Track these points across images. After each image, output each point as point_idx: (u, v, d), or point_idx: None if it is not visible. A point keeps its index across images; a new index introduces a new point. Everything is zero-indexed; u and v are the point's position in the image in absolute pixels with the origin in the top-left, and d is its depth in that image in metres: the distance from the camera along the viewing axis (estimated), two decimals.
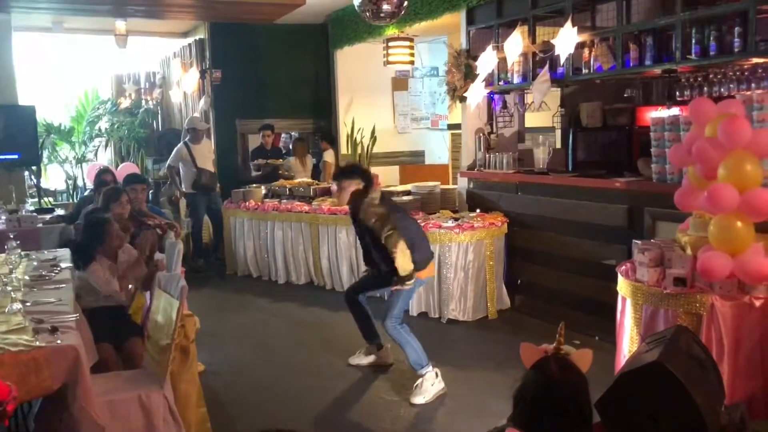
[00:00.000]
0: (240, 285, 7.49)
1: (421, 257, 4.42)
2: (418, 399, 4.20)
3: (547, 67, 5.55)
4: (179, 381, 3.47)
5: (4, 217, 6.68)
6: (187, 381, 3.53)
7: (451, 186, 7.37)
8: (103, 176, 6.55)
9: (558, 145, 7.00)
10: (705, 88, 4.72)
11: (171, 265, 4.25)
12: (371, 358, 4.86)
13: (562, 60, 5.40)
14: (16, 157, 8.15)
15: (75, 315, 3.17)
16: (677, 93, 5.03)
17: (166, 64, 11.05)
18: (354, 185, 4.39)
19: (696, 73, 4.81)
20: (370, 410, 4.18)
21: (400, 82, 10.23)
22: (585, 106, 6.40)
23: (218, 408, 4.12)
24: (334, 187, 7.22)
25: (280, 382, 4.66)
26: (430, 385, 4.26)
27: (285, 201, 7.42)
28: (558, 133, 7.05)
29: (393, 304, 4.40)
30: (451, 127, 9.41)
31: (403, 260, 4.23)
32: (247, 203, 7.59)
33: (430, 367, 4.31)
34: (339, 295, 6.79)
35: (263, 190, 7.84)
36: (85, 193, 8.71)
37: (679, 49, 4.58)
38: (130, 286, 4.10)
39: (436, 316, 5.86)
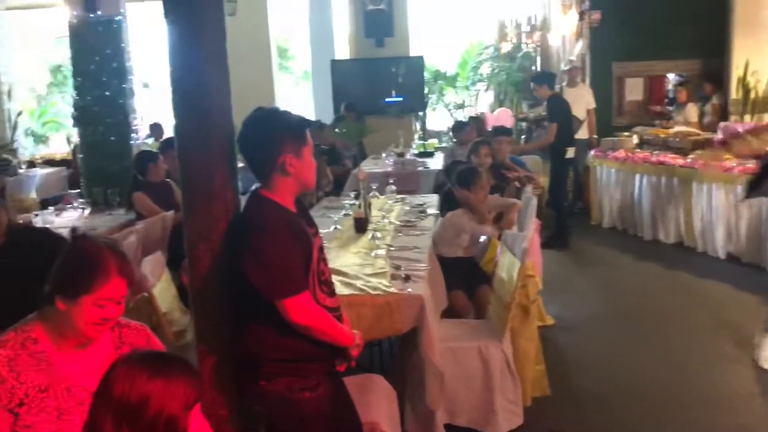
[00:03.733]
0: (602, 237, 7.28)
1: None
2: None
3: None
4: (518, 337, 3.58)
5: (392, 160, 7.54)
6: (526, 338, 3.61)
7: None
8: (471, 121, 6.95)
9: None
10: None
11: (523, 221, 4.31)
12: None
13: None
14: (400, 99, 9.15)
15: (427, 266, 3.46)
16: None
17: (548, 7, 10.98)
18: None
19: None
20: (726, 401, 3.75)
21: None
22: None
23: (558, 364, 4.12)
24: (719, 136, 6.51)
25: (627, 348, 4.44)
26: None
27: (657, 152, 6.90)
28: None
29: None
30: None
31: None
32: (615, 153, 7.26)
33: None
34: (710, 259, 6.20)
35: (635, 139, 7.40)
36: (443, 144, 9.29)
37: None
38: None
39: None
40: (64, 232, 4.74)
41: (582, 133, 8.07)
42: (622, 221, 7.37)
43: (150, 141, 9.50)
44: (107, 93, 5.75)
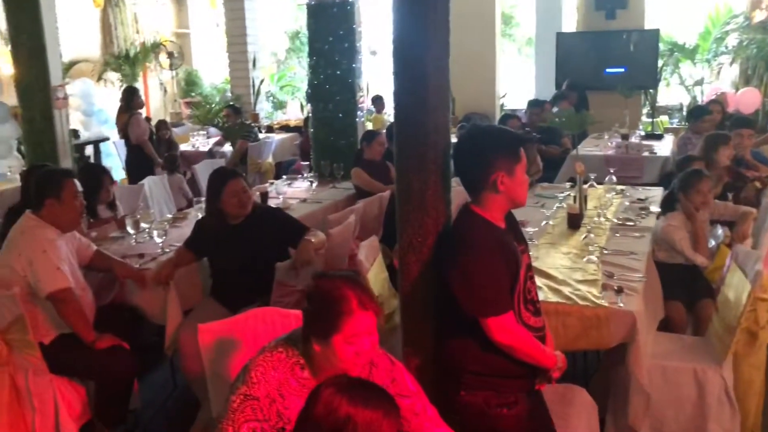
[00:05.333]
0: None
1: None
2: None
3: None
4: (742, 364, 3.26)
5: (615, 142, 7.12)
6: (751, 365, 3.28)
7: None
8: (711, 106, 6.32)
9: None
10: None
11: (759, 234, 3.85)
12: None
13: None
14: (622, 70, 8.61)
15: (643, 277, 3.26)
16: None
17: None
18: None
19: None
20: None
21: None
22: None
23: None
24: None
25: None
26: None
27: None
28: None
29: None
30: None
31: None
32: None
33: None
34: None
35: None
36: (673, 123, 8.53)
37: None
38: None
39: None
40: (294, 203, 5.21)
41: None
42: None
43: (372, 109, 9.96)
44: (338, 72, 6.08)
